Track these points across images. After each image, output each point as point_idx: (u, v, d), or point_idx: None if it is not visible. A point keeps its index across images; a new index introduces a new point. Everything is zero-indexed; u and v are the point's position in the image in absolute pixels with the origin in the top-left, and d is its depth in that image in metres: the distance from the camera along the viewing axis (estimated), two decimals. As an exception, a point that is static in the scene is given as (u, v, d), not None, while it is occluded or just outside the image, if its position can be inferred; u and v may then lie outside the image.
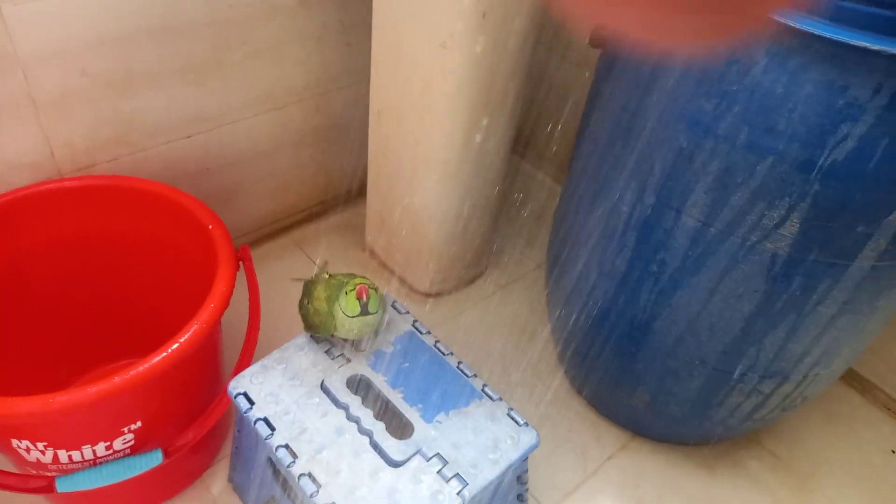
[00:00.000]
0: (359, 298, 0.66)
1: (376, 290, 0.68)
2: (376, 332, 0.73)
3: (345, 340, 0.72)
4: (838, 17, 0.50)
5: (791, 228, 0.59)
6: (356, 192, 1.19)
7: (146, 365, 0.59)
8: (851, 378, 1.01)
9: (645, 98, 0.64)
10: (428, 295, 1.08)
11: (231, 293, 0.66)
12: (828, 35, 0.50)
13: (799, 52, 0.53)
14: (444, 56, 0.80)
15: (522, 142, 1.30)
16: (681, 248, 0.66)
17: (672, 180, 0.63)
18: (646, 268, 0.70)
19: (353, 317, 0.66)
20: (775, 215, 0.59)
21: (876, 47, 0.49)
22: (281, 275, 1.05)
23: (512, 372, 0.98)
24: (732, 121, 0.57)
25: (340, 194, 1.18)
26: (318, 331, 0.69)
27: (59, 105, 0.78)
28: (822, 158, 0.55)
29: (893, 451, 0.94)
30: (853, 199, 0.56)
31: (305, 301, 0.70)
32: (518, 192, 1.26)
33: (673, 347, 0.74)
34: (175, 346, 0.60)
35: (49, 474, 0.65)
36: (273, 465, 0.70)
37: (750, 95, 0.56)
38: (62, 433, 0.62)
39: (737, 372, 0.73)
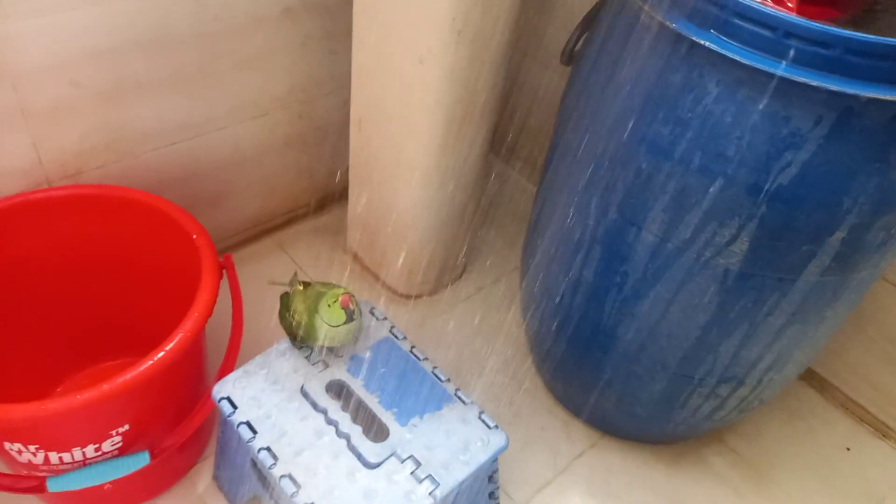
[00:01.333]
0: (345, 308, 0.69)
1: (353, 296, 0.72)
2: (356, 338, 0.76)
3: (326, 348, 0.75)
4: (783, 53, 0.54)
5: (741, 246, 0.63)
6: (338, 196, 1.22)
7: (133, 372, 0.62)
8: (811, 378, 1.06)
9: (608, 119, 0.68)
10: (408, 297, 1.12)
11: (214, 303, 0.69)
12: (772, 70, 0.54)
13: (746, 84, 0.56)
14: (421, 71, 0.83)
15: (503, 144, 1.33)
16: (641, 260, 0.70)
17: (633, 198, 0.67)
18: (610, 278, 0.74)
19: (338, 326, 0.70)
20: (727, 233, 0.63)
21: (816, 83, 0.53)
22: (264, 277, 1.07)
23: (488, 372, 1.02)
24: (687, 146, 0.61)
25: (323, 197, 1.21)
26: (304, 341, 0.72)
27: (50, 115, 0.81)
28: (768, 183, 0.59)
29: (848, 449, 0.99)
30: (797, 220, 0.60)
31: (287, 314, 0.74)
32: (497, 194, 1.30)
33: (636, 352, 0.78)
34: (161, 354, 0.64)
35: (40, 475, 0.68)
36: (256, 465, 0.73)
37: (702, 123, 0.60)
38: (53, 436, 0.65)
39: (696, 376, 0.77)
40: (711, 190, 0.61)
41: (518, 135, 1.30)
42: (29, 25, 0.73)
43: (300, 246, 1.16)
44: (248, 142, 1.03)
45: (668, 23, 0.58)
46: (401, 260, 1.07)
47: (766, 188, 0.59)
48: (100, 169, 0.89)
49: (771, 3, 0.55)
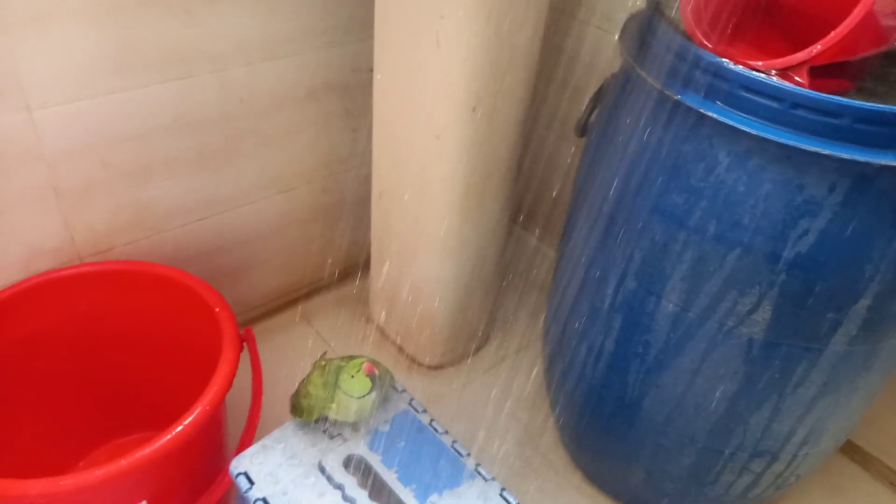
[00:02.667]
0: (370, 374, 0.69)
1: (376, 361, 0.72)
2: (376, 409, 0.75)
3: (344, 422, 0.74)
4: (792, 123, 0.54)
5: (764, 314, 0.62)
6: (361, 267, 1.23)
7: (151, 447, 0.62)
8: (853, 451, 1.01)
9: (622, 189, 0.68)
10: (430, 367, 1.11)
11: (233, 377, 0.70)
12: (783, 140, 0.54)
13: (757, 153, 0.57)
14: (438, 146, 0.85)
15: (525, 213, 1.34)
16: (663, 330, 0.69)
17: (651, 267, 0.67)
18: (632, 348, 0.73)
19: (363, 396, 0.69)
20: (748, 302, 0.62)
21: (827, 151, 0.53)
22: (287, 348, 1.09)
23: (511, 445, 0.99)
24: (701, 215, 0.61)
25: (346, 268, 1.23)
26: (304, 415, 0.71)
27: (82, 195, 0.84)
28: (786, 250, 0.58)
29: (897, 528, 0.93)
30: (819, 288, 0.59)
31: (300, 386, 0.74)
32: (521, 264, 1.30)
33: (663, 425, 0.76)
34: (178, 428, 0.64)
35: (56, 552, 0.67)
36: (271, 543, 0.71)
37: (715, 192, 0.60)
38: (71, 513, 0.65)
39: (726, 450, 0.74)
40: (729, 258, 0.61)
41: (539, 204, 1.31)
42: (64, 111, 0.77)
43: (323, 317, 1.17)
44: (272, 216, 1.06)
45: (675, 95, 0.59)
46: (422, 330, 1.07)
47: (784, 256, 0.58)
48: (129, 245, 0.91)
49: (776, 75, 0.56)
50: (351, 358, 0.73)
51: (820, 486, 0.97)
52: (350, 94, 1.02)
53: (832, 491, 0.97)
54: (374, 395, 0.70)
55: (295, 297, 1.19)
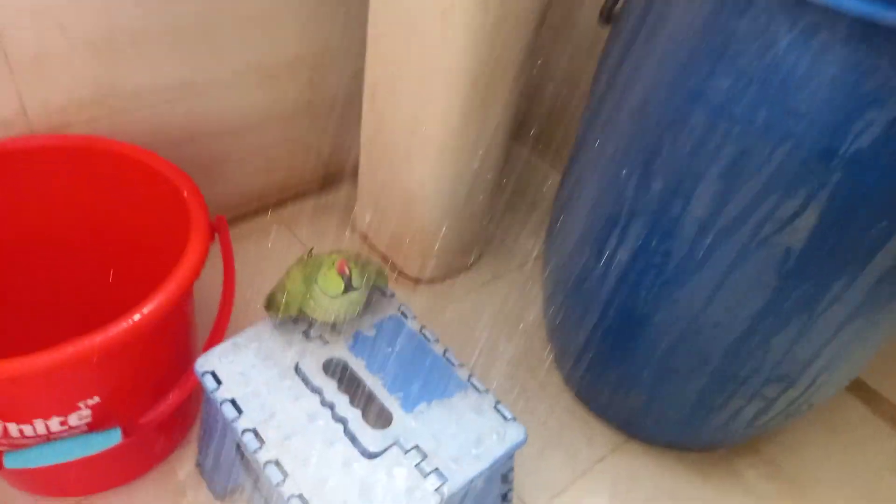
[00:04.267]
0: (341, 273, 0.61)
1: (360, 264, 0.64)
2: (359, 313, 0.68)
3: (324, 323, 0.67)
4: (873, -11, 0.46)
5: (808, 221, 0.55)
6: (349, 172, 1.14)
7: (105, 335, 0.54)
8: (857, 387, 0.97)
9: (655, 74, 0.60)
10: (419, 281, 1.04)
11: (202, 263, 0.62)
12: (858, 12, 0.46)
13: (825, 28, 0.48)
14: (444, 25, 0.75)
15: (524, 129, 1.25)
16: (687, 238, 0.62)
17: (681, 165, 0.59)
18: (649, 258, 0.66)
19: (337, 296, 0.62)
20: (791, 206, 0.54)
21: (913, 23, 0.45)
22: (265, 253, 1.01)
23: (502, 365, 0.94)
24: (749, 101, 0.53)
25: (332, 173, 1.14)
26: (278, 309, 0.64)
27: (36, 62, 0.74)
28: (846, 146, 0.50)
29: (897, 466, 0.90)
30: (877, 191, 0.52)
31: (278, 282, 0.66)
32: (517, 180, 1.22)
33: (673, 345, 0.70)
34: (137, 316, 0.56)
35: (-1, 449, 0.60)
36: (241, 451, 0.65)
37: (769, 75, 0.51)
38: (13, 404, 0.57)
39: (740, 374, 0.69)
40: (776, 153, 0.53)
41: (543, 121, 1.22)
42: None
43: (305, 224, 1.09)
44: (252, 107, 0.96)
45: (735, -46, 0.50)
46: (412, 241, 0.99)
47: (841, 152, 0.51)
48: (89, 123, 0.82)
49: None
50: (338, 253, 0.65)
51: (822, 421, 0.93)
52: (346, -30, 0.91)
53: (833, 426, 0.93)
54: (352, 295, 0.63)
55: (274, 201, 1.10)
